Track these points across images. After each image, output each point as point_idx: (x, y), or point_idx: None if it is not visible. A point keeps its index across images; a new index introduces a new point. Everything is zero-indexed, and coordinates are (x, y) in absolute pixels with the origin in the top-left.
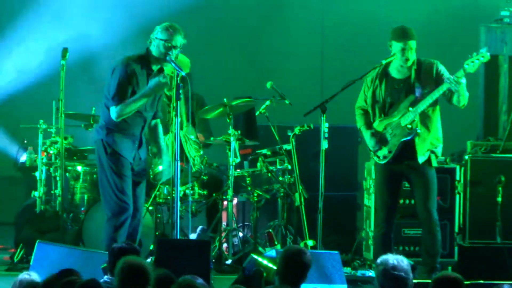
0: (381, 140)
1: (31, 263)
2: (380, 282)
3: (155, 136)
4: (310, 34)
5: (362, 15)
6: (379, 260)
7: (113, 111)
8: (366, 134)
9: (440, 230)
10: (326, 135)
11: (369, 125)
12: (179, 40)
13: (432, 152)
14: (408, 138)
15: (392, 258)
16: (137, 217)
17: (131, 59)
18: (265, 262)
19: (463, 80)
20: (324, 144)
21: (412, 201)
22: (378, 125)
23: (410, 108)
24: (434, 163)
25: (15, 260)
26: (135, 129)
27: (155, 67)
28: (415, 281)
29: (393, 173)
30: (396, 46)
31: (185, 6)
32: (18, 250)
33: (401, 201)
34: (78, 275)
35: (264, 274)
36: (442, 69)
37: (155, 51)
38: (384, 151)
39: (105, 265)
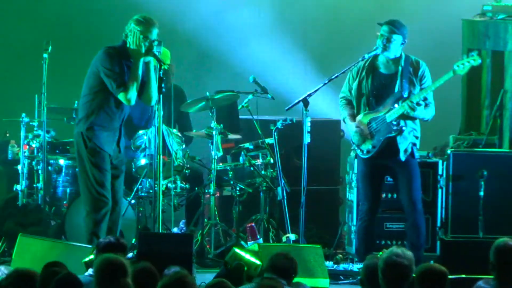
0: (364, 134)
1: (13, 257)
2: (382, 269)
3: None
4: (293, 27)
5: (344, 9)
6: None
7: (125, 98)
8: (350, 127)
9: (424, 222)
10: (309, 129)
11: (353, 117)
12: (155, 32)
13: (414, 144)
14: (393, 134)
15: (398, 248)
16: (116, 211)
17: (112, 50)
18: (247, 256)
19: (417, 106)
20: (307, 138)
21: (395, 195)
22: (362, 118)
23: (396, 105)
24: (416, 155)
25: None
26: (115, 122)
27: (133, 59)
28: None
29: (376, 167)
30: (380, 30)
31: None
32: (0, 243)
33: (384, 195)
34: (62, 267)
35: (245, 268)
36: (427, 76)
37: (132, 44)
38: (367, 146)
39: (88, 259)
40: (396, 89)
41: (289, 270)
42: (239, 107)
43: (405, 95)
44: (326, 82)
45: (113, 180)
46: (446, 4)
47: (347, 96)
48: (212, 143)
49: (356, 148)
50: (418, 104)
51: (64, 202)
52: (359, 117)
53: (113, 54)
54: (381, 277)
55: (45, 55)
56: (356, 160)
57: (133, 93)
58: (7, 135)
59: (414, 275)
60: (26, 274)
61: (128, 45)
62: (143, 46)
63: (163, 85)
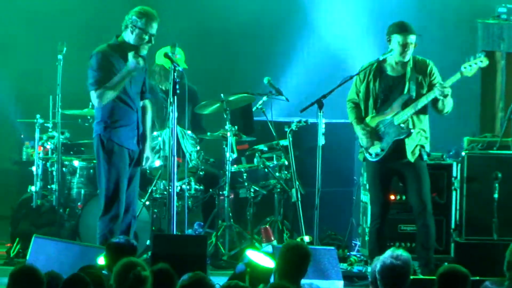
0: (373, 136)
1: (27, 258)
2: (379, 272)
3: (142, 119)
4: (306, 28)
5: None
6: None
7: (94, 96)
8: (358, 129)
9: (434, 223)
10: (323, 130)
11: (360, 120)
12: (155, 26)
13: (422, 147)
14: (402, 137)
15: (393, 250)
16: (131, 212)
17: (107, 48)
18: (259, 259)
19: (449, 91)
20: (321, 140)
21: None
22: (370, 121)
23: (404, 108)
24: (425, 157)
25: (12, 254)
26: (129, 118)
27: (131, 52)
28: (413, 277)
29: (384, 170)
30: (396, 39)
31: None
32: (15, 244)
33: (398, 197)
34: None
35: (248, 269)
36: (436, 72)
37: (132, 39)
38: (376, 149)
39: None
40: (405, 91)
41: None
42: (254, 108)
43: (413, 97)
44: (341, 83)
45: (128, 181)
46: (460, 6)
47: (354, 99)
48: (226, 145)
49: (364, 151)
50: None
51: (79, 204)
52: (366, 120)
53: (102, 51)
54: (378, 279)
55: (60, 57)
56: (366, 163)
57: (104, 95)
58: (22, 136)
59: (435, 277)
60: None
61: (126, 38)
62: (143, 40)
63: (177, 87)
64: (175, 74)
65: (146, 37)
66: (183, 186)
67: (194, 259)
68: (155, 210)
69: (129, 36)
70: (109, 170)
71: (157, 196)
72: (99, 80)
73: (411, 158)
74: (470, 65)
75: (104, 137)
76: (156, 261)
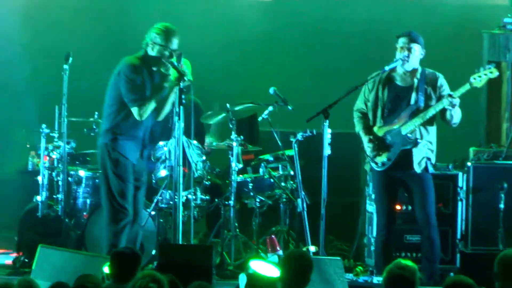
0: (380, 146)
1: (33, 268)
2: (386, 282)
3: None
4: (312, 38)
5: (363, 22)
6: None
7: (137, 113)
8: (365, 139)
9: (439, 235)
10: (329, 140)
11: (368, 130)
12: (175, 41)
13: (428, 159)
14: (409, 147)
15: (402, 260)
16: (137, 222)
17: (133, 60)
18: (264, 269)
19: (457, 101)
20: (327, 150)
21: None
22: (377, 130)
23: (412, 118)
24: (431, 169)
25: (17, 264)
26: (139, 131)
27: (155, 68)
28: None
29: (390, 180)
30: (398, 43)
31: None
32: (20, 254)
33: (404, 207)
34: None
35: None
36: (445, 84)
37: (154, 54)
38: (383, 158)
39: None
40: (412, 102)
41: None
42: (259, 118)
43: (421, 108)
44: (347, 93)
45: (134, 192)
46: (466, 16)
47: (362, 109)
48: (232, 155)
49: (370, 161)
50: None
51: (84, 213)
52: (374, 130)
53: (136, 64)
54: None
55: (66, 66)
56: (372, 174)
57: (147, 110)
58: (27, 146)
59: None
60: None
61: (149, 53)
62: (164, 56)
63: (183, 96)
64: (181, 84)
65: (167, 53)
66: (189, 196)
67: (200, 269)
68: (161, 220)
69: (151, 53)
70: (114, 179)
71: (163, 206)
72: (139, 97)
73: (417, 169)
74: (480, 76)
75: (110, 147)
76: (162, 271)
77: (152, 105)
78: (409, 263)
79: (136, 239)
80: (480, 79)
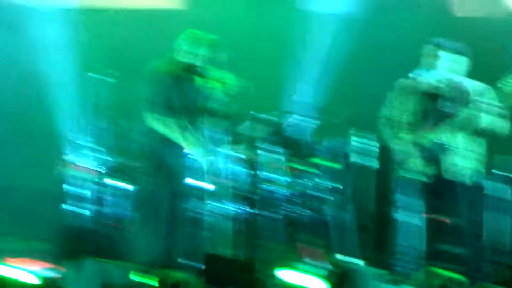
0: (413, 153)
1: (72, 282)
2: None
3: None
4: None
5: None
6: None
7: (147, 117)
8: (395, 146)
9: (486, 248)
10: (369, 149)
11: (397, 136)
12: (207, 48)
13: (476, 168)
14: (443, 154)
15: (451, 273)
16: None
17: (163, 66)
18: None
19: (504, 112)
20: (368, 159)
21: (457, 219)
22: (411, 139)
23: (447, 125)
24: (479, 179)
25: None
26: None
27: (186, 76)
28: None
29: (426, 188)
30: (428, 50)
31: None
32: (61, 268)
33: (443, 217)
34: None
35: None
36: (491, 96)
37: (185, 61)
38: (419, 167)
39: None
40: (448, 108)
41: None
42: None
43: (457, 115)
44: (379, 99)
45: (183, 200)
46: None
47: (390, 115)
48: (268, 165)
49: (405, 171)
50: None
51: (126, 226)
52: (404, 136)
53: (161, 72)
54: None
55: (106, 73)
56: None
57: (155, 125)
58: (64, 154)
59: None
60: None
61: (178, 63)
62: (194, 63)
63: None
64: (222, 95)
65: (197, 60)
66: (233, 208)
67: (243, 282)
68: (204, 231)
69: (180, 59)
70: (163, 189)
71: (203, 216)
72: (158, 103)
73: (460, 179)
74: None
75: (156, 155)
76: (207, 282)
77: (169, 121)
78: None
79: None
80: None
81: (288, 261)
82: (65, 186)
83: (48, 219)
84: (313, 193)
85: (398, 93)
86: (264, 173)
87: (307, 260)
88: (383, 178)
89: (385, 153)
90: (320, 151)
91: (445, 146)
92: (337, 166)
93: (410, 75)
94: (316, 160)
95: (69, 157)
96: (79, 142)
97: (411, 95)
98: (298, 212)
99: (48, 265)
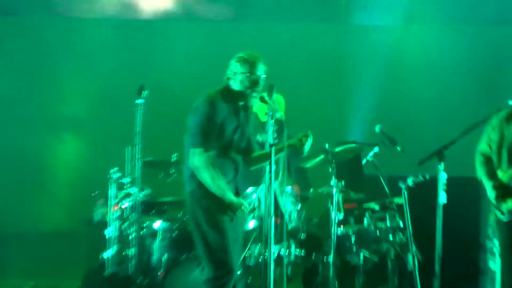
0: (505, 193)
1: None
2: None
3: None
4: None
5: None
6: None
7: (191, 156)
8: (488, 185)
9: None
10: (445, 187)
11: (492, 175)
12: (262, 68)
13: None
14: None
15: None
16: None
17: (215, 95)
18: None
19: None
20: (442, 198)
21: None
22: (503, 175)
23: None
24: None
25: None
26: (229, 174)
27: (240, 102)
28: None
29: None
30: None
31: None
32: None
33: None
34: None
35: None
36: None
37: (238, 87)
38: (509, 206)
39: None
40: None
41: None
42: (363, 161)
43: None
44: (465, 131)
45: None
46: None
47: (486, 152)
48: (332, 203)
49: (496, 210)
50: None
51: (159, 272)
52: (499, 175)
53: (213, 102)
54: None
55: (139, 101)
56: (497, 225)
57: (200, 166)
58: (95, 193)
59: None
60: None
61: (232, 87)
62: (251, 86)
63: (275, 135)
64: (273, 122)
65: (254, 80)
66: (282, 251)
67: None
68: (248, 281)
69: (234, 86)
70: (210, 231)
71: (251, 263)
72: (203, 139)
73: None
74: None
75: (198, 194)
76: None
77: (208, 175)
78: None
79: None
80: None
81: None
82: (98, 227)
83: (78, 264)
84: (379, 234)
85: (496, 124)
86: (332, 212)
87: None
88: (467, 218)
89: (469, 190)
90: (394, 188)
91: None
92: (402, 201)
93: (510, 101)
94: (393, 199)
95: (104, 194)
96: (115, 177)
97: (508, 125)
98: (361, 256)
99: None
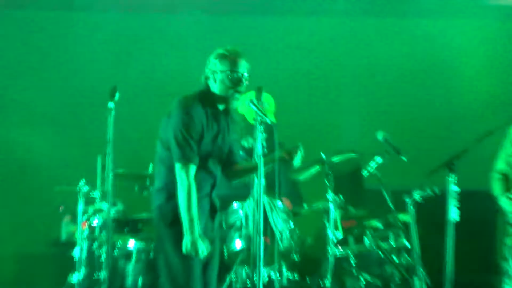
0: None
1: None
2: None
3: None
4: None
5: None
6: None
7: (178, 171)
8: (506, 205)
9: None
10: (456, 202)
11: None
12: (244, 65)
13: None
14: None
15: None
16: None
17: (190, 100)
18: None
19: None
20: (453, 214)
21: None
22: None
23: None
24: None
25: None
26: (205, 188)
27: (220, 106)
28: None
29: None
30: None
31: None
32: None
33: None
34: None
35: None
36: None
37: (217, 88)
38: None
39: None
40: None
41: None
42: (364, 173)
43: None
44: (477, 141)
45: (203, 269)
46: None
47: (502, 170)
48: (328, 220)
49: None
50: None
51: None
52: None
53: (189, 107)
54: None
55: (111, 105)
56: None
57: (185, 181)
58: (61, 209)
59: None
60: None
61: (211, 89)
62: (232, 86)
63: (264, 144)
64: (262, 127)
65: (236, 79)
66: (272, 274)
67: None
68: None
69: (214, 87)
70: (175, 252)
71: (238, 287)
72: (186, 153)
73: None
74: None
75: (165, 210)
76: None
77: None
78: None
79: None
80: None
81: None
82: (65, 247)
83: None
84: (383, 255)
85: None
86: (329, 230)
87: None
88: (480, 238)
89: (483, 206)
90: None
91: None
92: (408, 219)
93: None
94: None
95: (71, 210)
96: (84, 190)
97: None
98: (363, 280)
99: None
